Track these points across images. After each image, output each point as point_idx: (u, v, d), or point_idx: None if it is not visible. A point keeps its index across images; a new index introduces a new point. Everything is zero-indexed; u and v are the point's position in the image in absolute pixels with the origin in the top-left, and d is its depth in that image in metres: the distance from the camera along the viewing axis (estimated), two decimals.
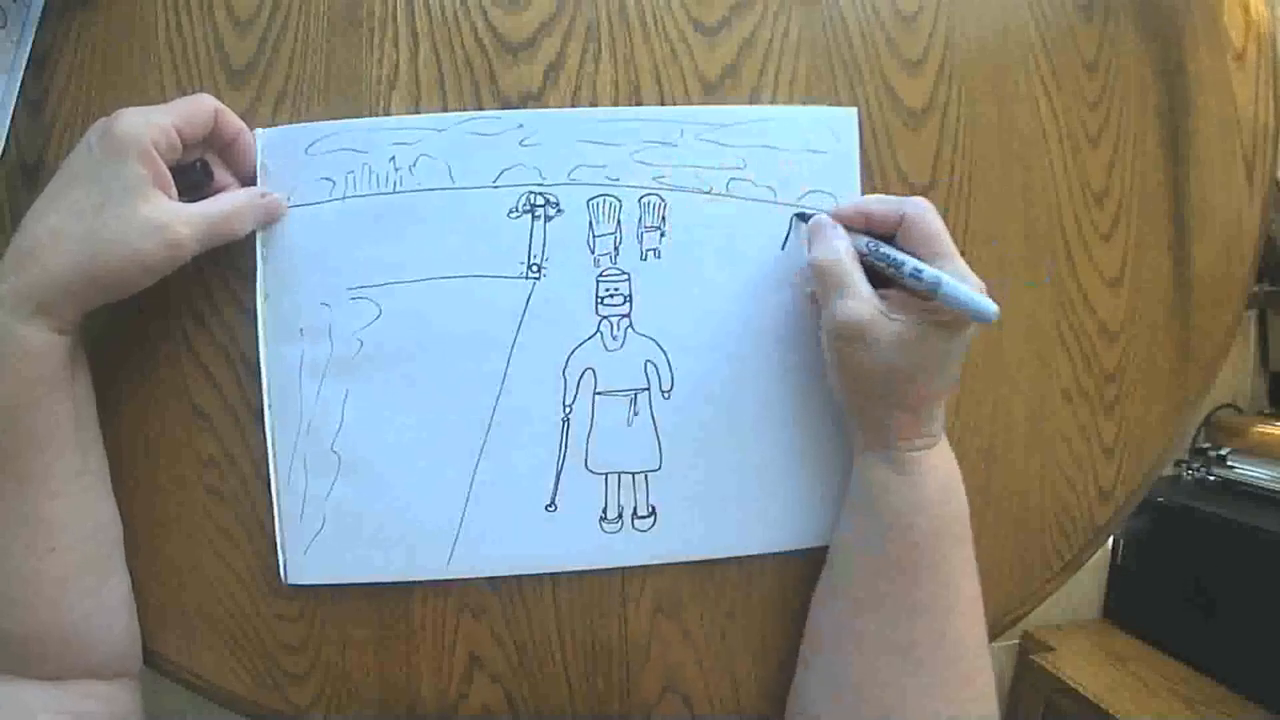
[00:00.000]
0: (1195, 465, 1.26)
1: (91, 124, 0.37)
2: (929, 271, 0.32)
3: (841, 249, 0.35)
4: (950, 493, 0.36)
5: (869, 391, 0.35)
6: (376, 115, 0.38)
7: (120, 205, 0.31)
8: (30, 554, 0.32)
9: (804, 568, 0.40)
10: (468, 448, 0.37)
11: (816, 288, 0.36)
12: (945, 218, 0.40)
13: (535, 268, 0.37)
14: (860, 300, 0.33)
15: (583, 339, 0.38)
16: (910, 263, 0.33)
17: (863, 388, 0.35)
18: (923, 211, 0.34)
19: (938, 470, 0.35)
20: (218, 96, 0.37)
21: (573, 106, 0.39)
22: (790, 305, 0.39)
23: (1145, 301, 0.43)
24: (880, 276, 0.34)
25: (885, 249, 0.34)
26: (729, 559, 0.40)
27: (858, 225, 0.36)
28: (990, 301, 0.31)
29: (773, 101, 0.40)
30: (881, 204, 0.35)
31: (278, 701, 0.39)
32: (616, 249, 0.38)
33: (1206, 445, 1.27)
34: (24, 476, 0.32)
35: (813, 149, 0.39)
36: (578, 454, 0.38)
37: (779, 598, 0.41)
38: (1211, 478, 1.24)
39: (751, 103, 0.40)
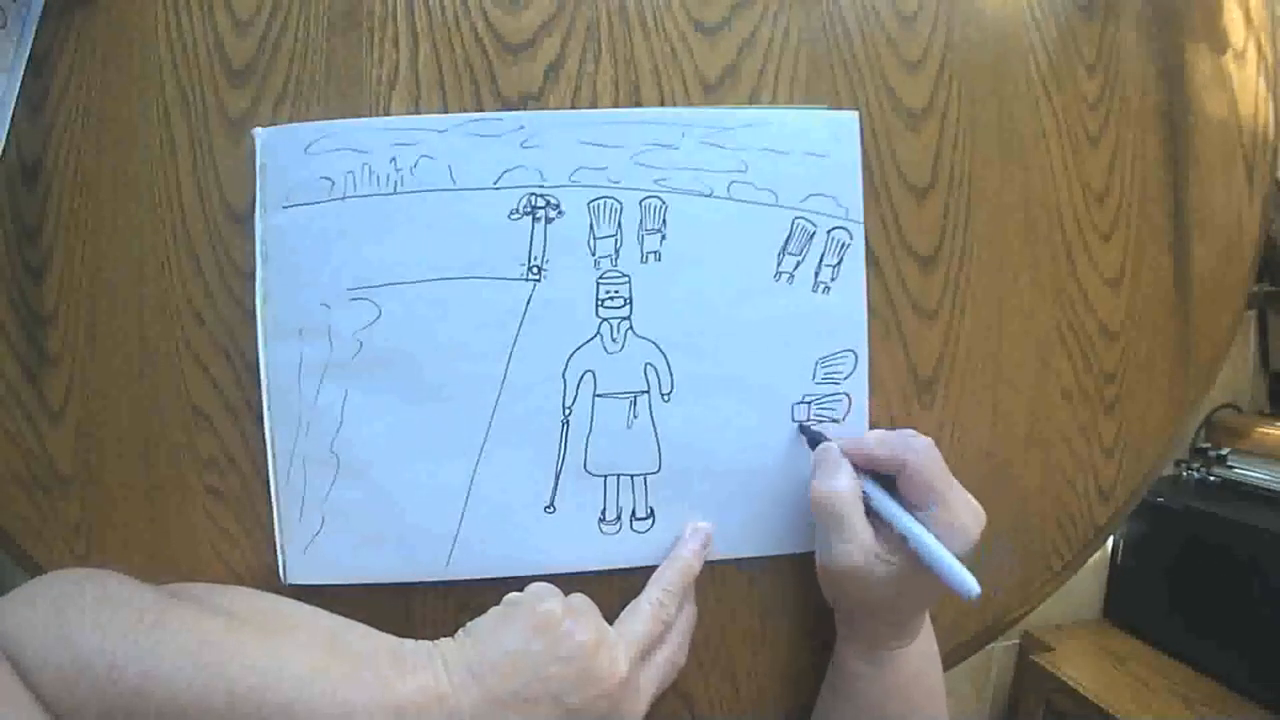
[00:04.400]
0: (1195, 465, 1.27)
1: (90, 124, 0.37)
2: (915, 540, 0.33)
3: (843, 489, 0.35)
4: (922, 677, 0.38)
5: (855, 612, 0.37)
6: (376, 115, 0.38)
7: None
8: None
9: (803, 569, 0.40)
10: (467, 449, 0.37)
11: (816, 518, 0.36)
12: (945, 217, 0.41)
13: (536, 269, 0.37)
14: (856, 545, 0.34)
15: (583, 341, 0.38)
16: (900, 522, 0.33)
17: (849, 609, 0.37)
18: (922, 460, 0.34)
19: (910, 662, 0.37)
20: (217, 97, 0.38)
21: (573, 106, 0.39)
22: (789, 308, 0.39)
23: (1145, 301, 0.43)
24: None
25: (881, 499, 0.35)
26: (729, 560, 0.40)
27: (860, 464, 0.36)
28: (973, 582, 0.31)
29: (773, 101, 0.40)
30: (883, 447, 0.35)
31: None
32: (617, 251, 0.38)
33: (1206, 445, 1.27)
34: None
35: (814, 152, 0.39)
36: (577, 456, 0.38)
37: (779, 598, 0.41)
38: (1211, 478, 1.24)
39: (751, 102, 0.40)
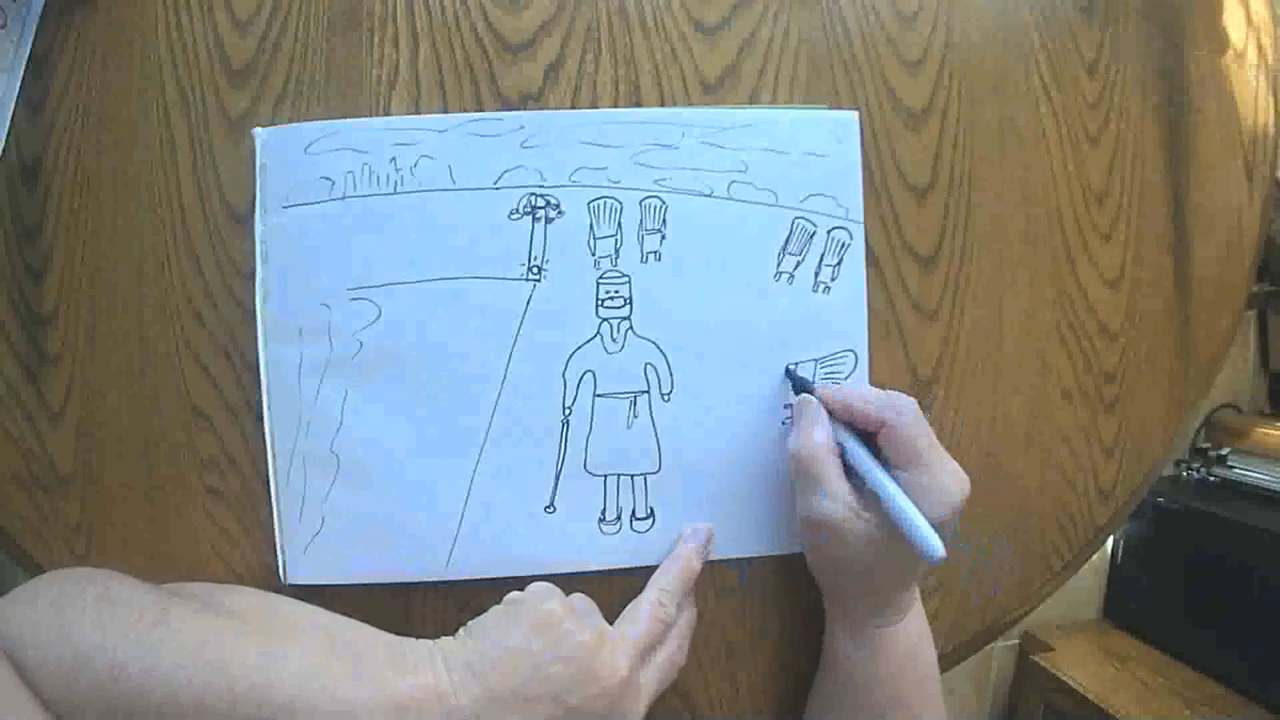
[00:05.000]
0: (1195, 465, 1.27)
1: (90, 124, 0.37)
2: (886, 496, 0.33)
3: (819, 442, 0.35)
4: (912, 661, 0.38)
5: (837, 577, 0.37)
6: (376, 115, 0.38)
7: None
8: None
9: (803, 569, 0.40)
10: (467, 449, 0.37)
11: (792, 475, 0.36)
12: (945, 217, 0.41)
13: (536, 269, 0.37)
14: (832, 499, 0.34)
15: (583, 341, 0.38)
16: (873, 478, 0.33)
17: (831, 573, 0.37)
18: (903, 420, 0.34)
19: (899, 643, 0.37)
20: (217, 97, 0.38)
21: (573, 106, 0.39)
22: (789, 308, 0.39)
23: (1145, 301, 0.43)
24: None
25: (857, 454, 0.35)
26: (729, 560, 0.40)
27: (841, 418, 0.36)
28: (937, 543, 0.31)
29: (773, 101, 0.40)
30: (864, 403, 0.35)
31: None
32: (617, 251, 0.38)
33: (1206, 445, 1.27)
34: None
35: (814, 152, 0.39)
36: (577, 456, 0.38)
37: (779, 597, 0.41)
38: (1212, 478, 1.24)
39: (751, 102, 0.40)
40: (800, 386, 0.38)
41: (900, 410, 0.34)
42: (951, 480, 0.34)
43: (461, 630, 0.33)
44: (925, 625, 0.39)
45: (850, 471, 0.35)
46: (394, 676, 0.30)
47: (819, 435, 0.35)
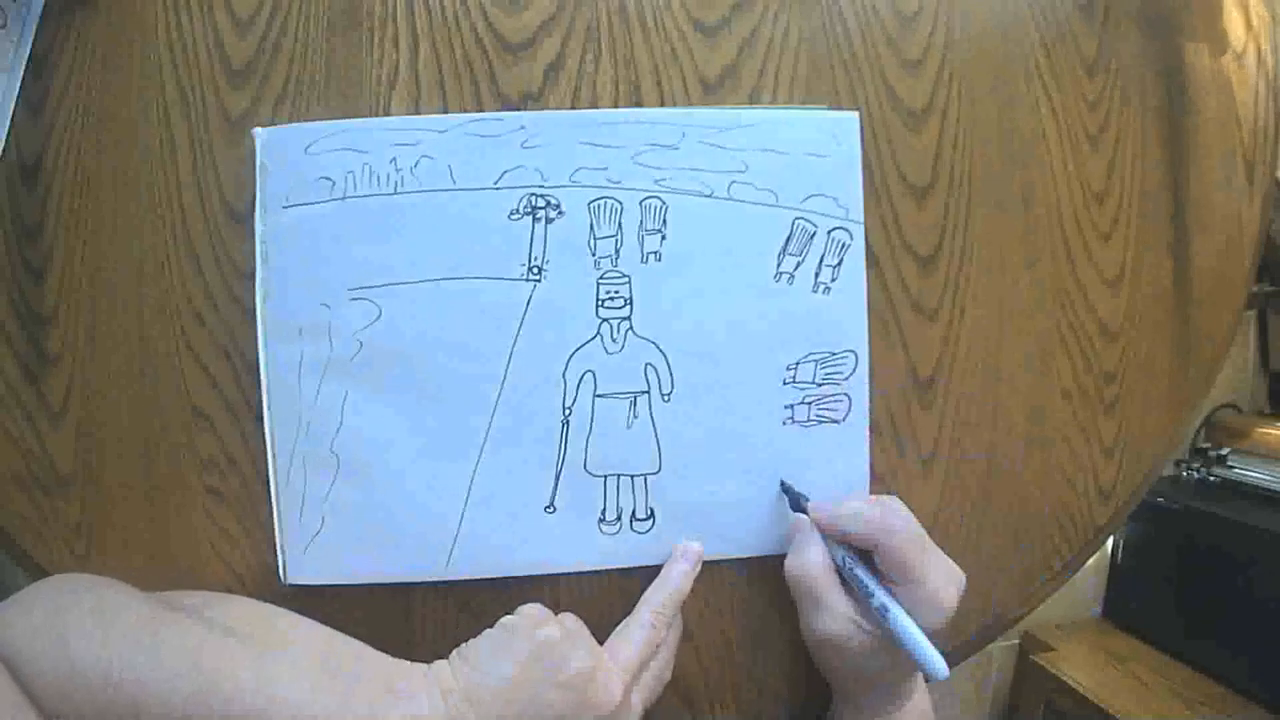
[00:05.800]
0: (1195, 465, 1.26)
1: (90, 124, 0.37)
2: (886, 615, 0.33)
3: (815, 562, 0.35)
4: None
5: (844, 681, 0.38)
6: (376, 115, 0.38)
7: None
8: None
9: None
10: (467, 449, 0.37)
11: (793, 595, 0.37)
12: (945, 217, 0.41)
13: (536, 270, 0.37)
14: (833, 616, 0.35)
15: (583, 341, 0.38)
16: (878, 597, 0.34)
17: (838, 678, 0.38)
18: (894, 541, 0.34)
19: None
20: (217, 97, 0.38)
21: (573, 106, 0.39)
22: (789, 308, 0.39)
23: (1145, 301, 0.43)
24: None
25: (859, 571, 0.35)
26: (728, 560, 0.40)
27: (834, 537, 0.36)
28: (941, 662, 0.32)
29: (773, 101, 0.40)
30: (857, 523, 0.35)
31: None
32: (617, 251, 0.38)
33: (1206, 445, 1.27)
34: None
35: (814, 152, 0.39)
36: (577, 456, 0.38)
37: (779, 598, 0.41)
38: (1212, 478, 1.24)
39: (751, 102, 0.40)
40: (795, 504, 0.38)
41: (891, 530, 0.34)
42: (946, 583, 0.34)
43: (455, 655, 0.33)
44: (928, 701, 0.39)
45: (847, 583, 0.36)
46: (387, 708, 0.30)
47: (814, 555, 0.36)
